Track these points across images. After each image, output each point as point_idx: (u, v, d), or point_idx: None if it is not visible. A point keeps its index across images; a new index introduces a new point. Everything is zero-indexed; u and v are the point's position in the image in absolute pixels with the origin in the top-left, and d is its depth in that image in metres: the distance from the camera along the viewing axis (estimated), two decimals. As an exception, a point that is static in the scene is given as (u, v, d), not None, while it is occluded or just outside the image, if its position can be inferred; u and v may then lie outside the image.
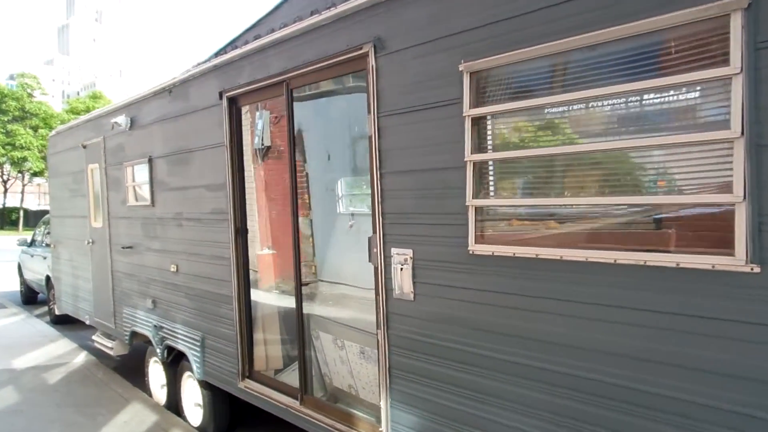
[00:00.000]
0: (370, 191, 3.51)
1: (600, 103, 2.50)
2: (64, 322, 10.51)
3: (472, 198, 2.88)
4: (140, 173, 6.27)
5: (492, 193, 2.92)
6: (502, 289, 2.80)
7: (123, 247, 6.75)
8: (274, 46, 4.16)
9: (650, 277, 2.30)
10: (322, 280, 8.03)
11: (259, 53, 4.33)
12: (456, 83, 2.93)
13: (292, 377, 4.63)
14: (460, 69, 2.88)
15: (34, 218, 46.99)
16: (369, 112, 3.43)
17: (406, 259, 3.27)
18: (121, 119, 6.33)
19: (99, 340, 7.78)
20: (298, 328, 4.22)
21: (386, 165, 3.36)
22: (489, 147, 2.91)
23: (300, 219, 7.76)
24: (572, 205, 2.63)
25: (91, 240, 7.71)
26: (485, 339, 2.90)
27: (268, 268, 5.55)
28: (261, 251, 5.49)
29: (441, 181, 3.04)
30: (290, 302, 6.14)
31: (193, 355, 5.48)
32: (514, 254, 2.73)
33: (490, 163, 2.92)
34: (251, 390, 4.68)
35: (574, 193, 2.62)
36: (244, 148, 4.87)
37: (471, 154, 2.88)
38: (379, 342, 3.49)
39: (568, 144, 2.62)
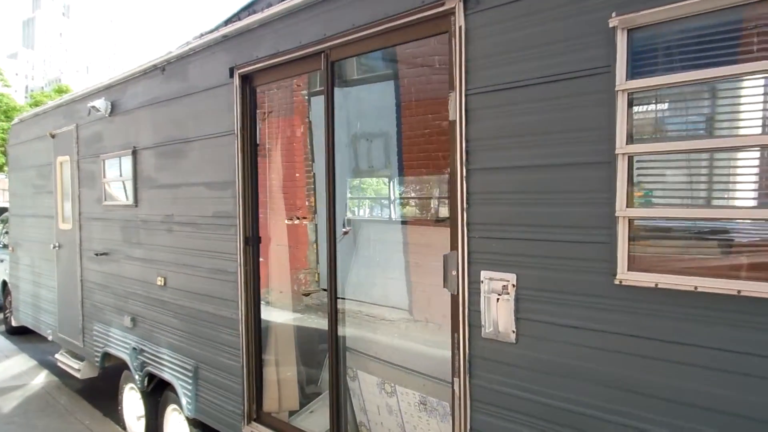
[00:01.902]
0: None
1: None
2: (22, 333, 9.32)
3: (625, 207, 2.05)
4: (121, 167, 5.30)
5: (654, 201, 2.09)
6: (670, 338, 1.97)
7: (96, 254, 5.75)
8: (310, 8, 3.29)
9: None
10: (325, 290, 7.17)
11: (287, 17, 3.44)
12: (599, 45, 2.10)
13: (311, 423, 3.74)
14: (612, 25, 2.05)
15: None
16: (452, 89, 2.58)
17: (504, 287, 2.42)
18: (100, 103, 5.36)
19: (63, 360, 6.72)
20: (332, 364, 3.31)
21: (476, 159, 2.51)
22: (651, 135, 2.08)
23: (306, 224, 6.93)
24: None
25: (57, 244, 6.66)
26: (633, 405, 2.06)
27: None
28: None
29: (569, 181, 2.20)
30: (304, 323, 5.27)
31: (182, 387, 4.53)
32: (695, 288, 1.90)
33: (652, 158, 2.09)
34: (261, 438, 3.77)
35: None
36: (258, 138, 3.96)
37: (626, 144, 2.04)
38: (456, 394, 2.62)
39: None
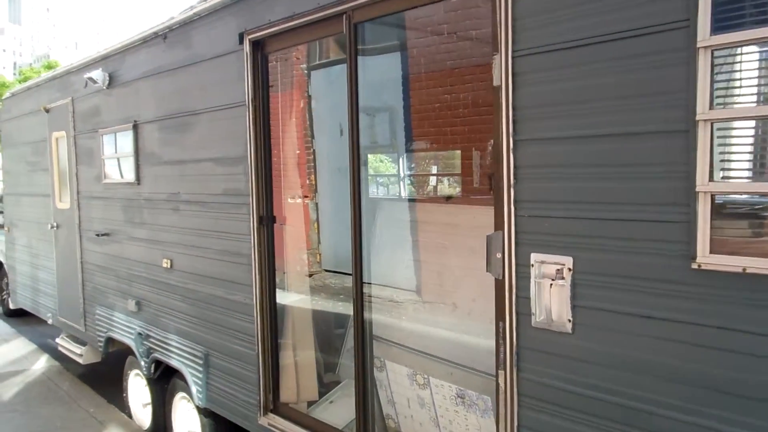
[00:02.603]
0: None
1: None
2: (20, 315, 9.06)
3: (707, 181, 1.80)
4: (122, 143, 5.02)
5: (740, 174, 1.84)
6: (762, 330, 1.74)
7: (97, 234, 5.49)
8: (330, -35, 3.00)
9: None
10: (327, 270, 6.96)
11: (303, -24, 3.15)
12: (678, -4, 1.83)
13: (332, 414, 3.53)
14: (697, -30, 1.78)
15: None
16: (496, 51, 2.31)
17: (559, 272, 2.18)
18: (98, 74, 5.05)
19: (65, 344, 6.49)
20: (357, 354, 3.08)
21: (525, 129, 2.25)
22: (738, 99, 1.82)
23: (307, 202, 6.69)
24: None
25: (55, 224, 6.40)
26: (715, 405, 1.84)
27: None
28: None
29: (638, 152, 1.95)
30: (315, 306, 5.04)
31: (192, 375, 4.31)
32: (796, 274, 1.66)
33: (739, 125, 1.83)
34: (279, 429, 3.56)
35: None
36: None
37: (708, 110, 1.79)
38: (500, 388, 2.40)
39: None
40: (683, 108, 1.83)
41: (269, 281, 3.67)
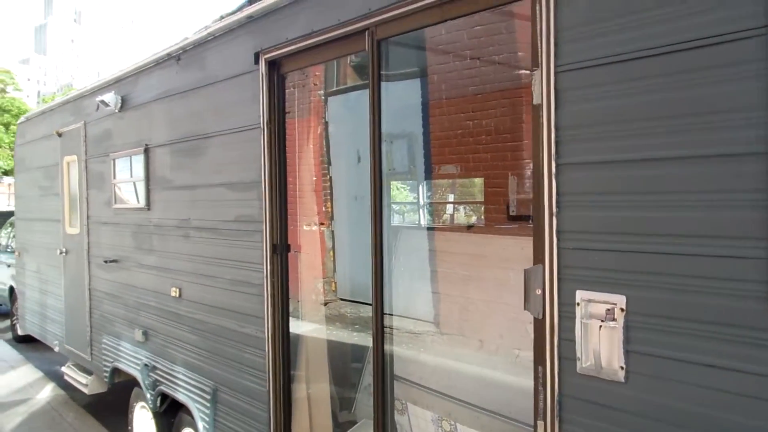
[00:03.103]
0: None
1: None
2: (30, 341, 8.86)
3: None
4: (133, 167, 4.86)
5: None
6: None
7: (106, 261, 5.31)
8: (352, -22, 2.82)
9: None
10: (342, 299, 6.73)
11: (323, -9, 2.98)
12: None
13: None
14: (774, -29, 1.56)
15: (2, 220, 44.52)
16: (536, 66, 2.09)
17: (610, 312, 1.92)
18: (110, 97, 4.92)
19: (71, 374, 6.28)
20: (377, 396, 2.81)
21: (570, 151, 2.02)
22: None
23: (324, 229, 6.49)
24: None
25: (64, 249, 6.24)
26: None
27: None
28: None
29: (706, 178, 1.71)
30: (331, 336, 4.80)
31: (199, 411, 4.06)
32: None
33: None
34: (290, 474, 3.29)
35: None
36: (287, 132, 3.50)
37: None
38: (541, 441, 2.13)
39: None
40: (761, 127, 1.60)
41: (282, 314, 3.44)
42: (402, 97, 5.67)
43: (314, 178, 5.69)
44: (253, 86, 3.46)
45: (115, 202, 5.19)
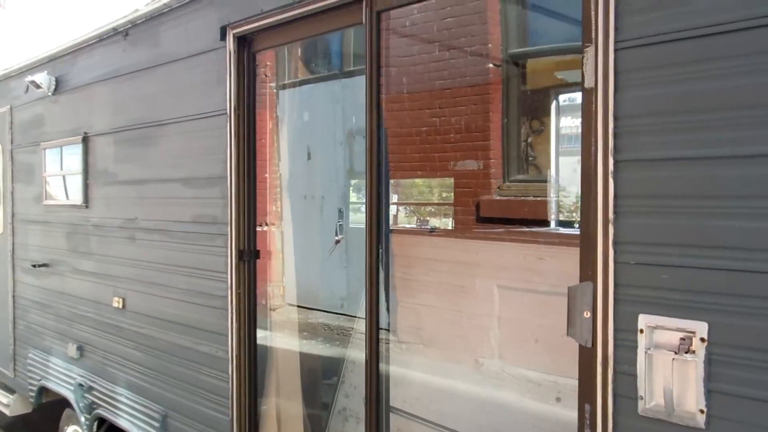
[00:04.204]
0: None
1: None
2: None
3: None
4: (68, 158, 4.28)
5: None
6: None
7: (34, 265, 4.71)
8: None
9: None
10: (290, 305, 6.32)
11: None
12: None
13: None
14: None
15: None
16: (588, 42, 1.73)
17: (685, 341, 1.58)
18: (42, 78, 4.32)
19: (-11, 392, 5.56)
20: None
21: (632, 145, 1.67)
22: None
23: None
24: None
25: (-17, 251, 5.52)
26: None
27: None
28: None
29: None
30: (291, 346, 4.38)
31: (144, 441, 3.54)
32: None
33: None
34: None
35: None
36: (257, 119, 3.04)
37: None
38: (585, 494, 1.77)
39: None
40: None
41: (249, 331, 2.98)
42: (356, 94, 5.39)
43: (266, 175, 5.27)
44: (219, 66, 2.98)
45: (46, 198, 4.59)
